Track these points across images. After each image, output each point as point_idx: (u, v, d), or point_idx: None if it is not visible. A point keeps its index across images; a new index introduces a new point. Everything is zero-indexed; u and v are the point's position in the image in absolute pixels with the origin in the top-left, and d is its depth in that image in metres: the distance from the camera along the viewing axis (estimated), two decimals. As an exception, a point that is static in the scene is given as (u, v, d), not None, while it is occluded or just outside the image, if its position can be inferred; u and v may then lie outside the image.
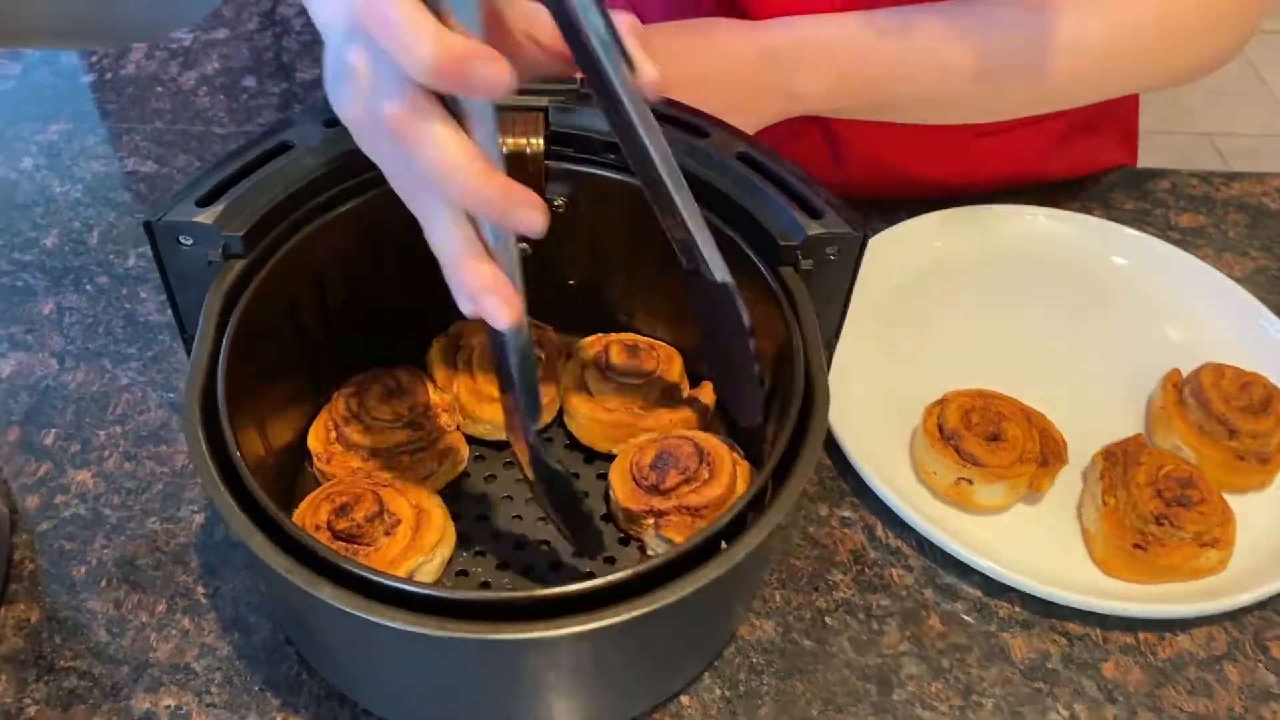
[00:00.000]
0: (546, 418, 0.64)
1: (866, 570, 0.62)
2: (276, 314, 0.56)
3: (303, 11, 0.91)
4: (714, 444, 0.58)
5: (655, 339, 0.66)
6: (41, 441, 0.65)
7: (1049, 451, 0.64)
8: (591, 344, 0.65)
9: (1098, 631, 0.60)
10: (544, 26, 0.48)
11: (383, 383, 0.61)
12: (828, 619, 0.60)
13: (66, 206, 0.81)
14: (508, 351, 0.48)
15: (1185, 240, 0.83)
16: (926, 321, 0.75)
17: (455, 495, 0.61)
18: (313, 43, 0.98)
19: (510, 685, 0.49)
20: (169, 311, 0.72)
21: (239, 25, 0.99)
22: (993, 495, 0.63)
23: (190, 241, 0.52)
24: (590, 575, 0.56)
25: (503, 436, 0.63)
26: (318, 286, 0.58)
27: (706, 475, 0.57)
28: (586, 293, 0.66)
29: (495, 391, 0.61)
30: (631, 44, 0.46)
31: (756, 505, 0.47)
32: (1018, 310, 0.76)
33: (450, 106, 0.42)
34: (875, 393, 0.69)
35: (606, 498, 0.60)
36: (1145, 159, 0.91)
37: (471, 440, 0.63)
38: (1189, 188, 0.88)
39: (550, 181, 0.60)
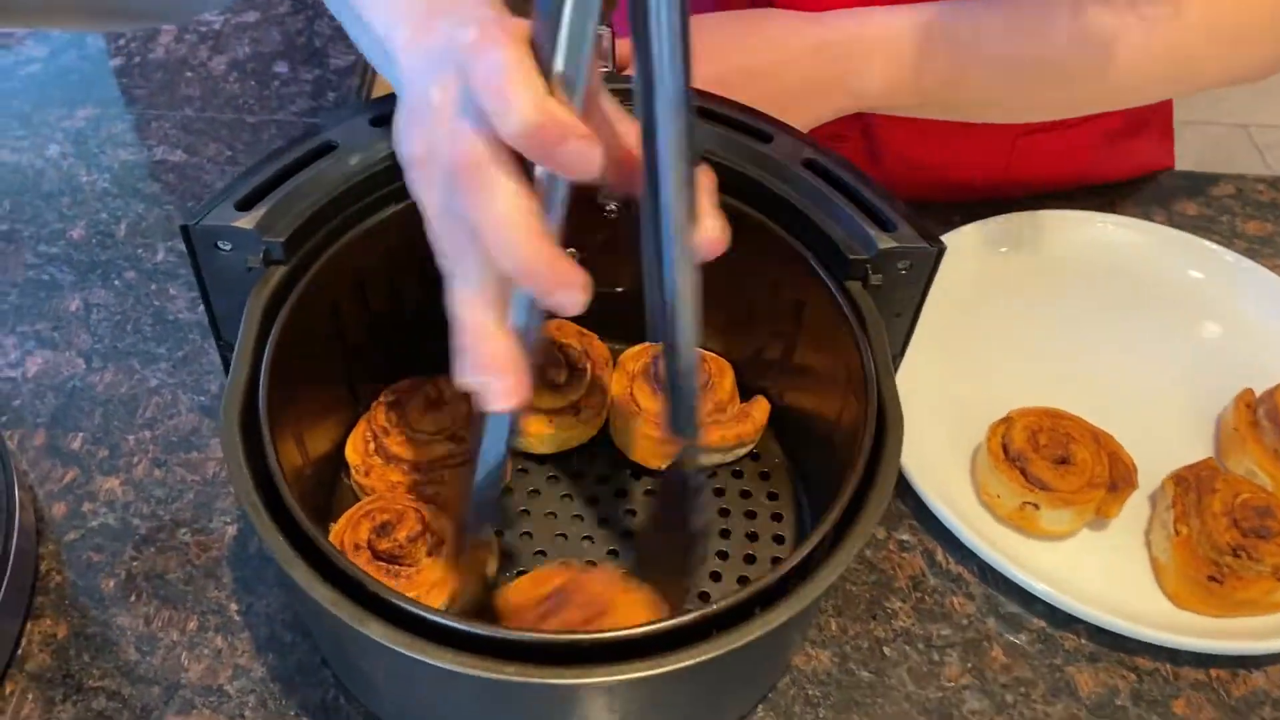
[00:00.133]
0: (592, 430, 0.62)
1: (926, 598, 0.59)
2: (317, 322, 0.53)
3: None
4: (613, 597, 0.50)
5: (706, 350, 0.63)
6: (69, 446, 0.63)
7: (1118, 476, 0.61)
8: (639, 354, 0.62)
9: (1168, 667, 0.57)
10: (628, 135, 0.42)
11: (424, 392, 0.59)
12: (886, 649, 0.57)
13: (94, 196, 0.78)
14: (488, 437, 0.44)
15: (1253, 249, 0.79)
16: (987, 333, 0.71)
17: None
18: (345, 27, 0.95)
19: (562, 724, 0.46)
20: (199, 309, 0.70)
21: (270, 8, 0.97)
22: (1059, 521, 0.60)
23: (229, 247, 0.50)
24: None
25: (548, 449, 0.61)
26: (360, 293, 0.56)
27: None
28: (635, 300, 0.63)
29: (540, 402, 0.59)
30: (705, 199, 0.41)
31: (824, 542, 0.44)
32: (1082, 323, 0.73)
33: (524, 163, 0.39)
34: (934, 408, 0.66)
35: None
36: (1180, 152, 0.88)
37: (514, 453, 0.61)
38: (1255, 193, 0.85)
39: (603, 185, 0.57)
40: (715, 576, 0.57)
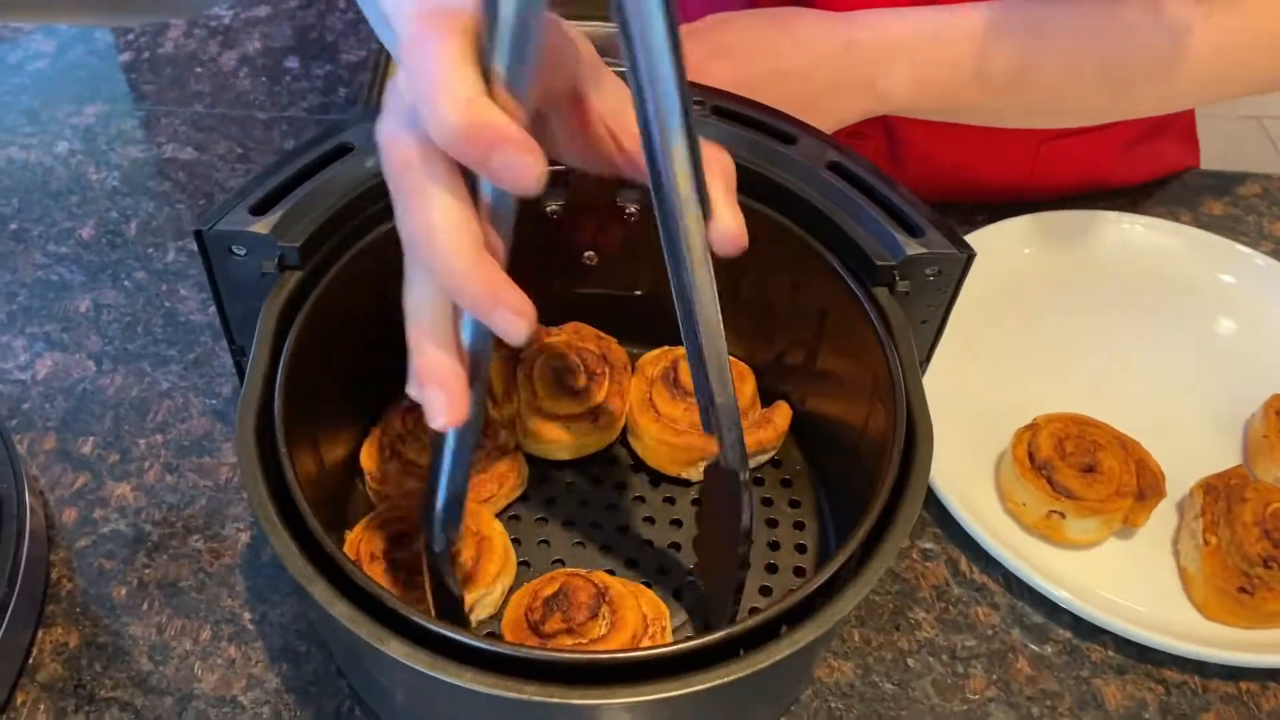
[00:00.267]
0: (610, 436, 0.60)
1: (950, 608, 0.58)
2: (333, 328, 0.52)
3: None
4: (629, 602, 0.50)
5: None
6: (79, 450, 0.62)
7: (1146, 484, 0.59)
8: (658, 358, 0.61)
9: (1197, 679, 0.56)
10: (629, 127, 0.40)
11: (440, 398, 0.58)
12: (910, 660, 0.56)
13: (103, 195, 0.77)
14: (442, 449, 0.42)
15: (1279, 250, 0.78)
16: (1011, 336, 0.70)
17: (515, 518, 0.58)
18: (357, 22, 0.94)
19: (583, 741, 0.45)
20: (211, 310, 0.69)
21: (281, 2, 0.95)
22: (1085, 530, 0.59)
23: (243, 252, 0.49)
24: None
25: (565, 456, 0.60)
26: (376, 297, 0.54)
27: (603, 630, 0.49)
28: (654, 304, 0.62)
29: (558, 409, 0.58)
30: (718, 189, 0.39)
31: (852, 559, 0.43)
32: (1108, 326, 0.71)
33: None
34: (957, 414, 0.64)
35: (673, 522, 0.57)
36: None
37: (531, 460, 0.60)
38: (1282, 193, 0.83)
39: (623, 186, 0.56)
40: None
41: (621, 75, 0.38)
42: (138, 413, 0.64)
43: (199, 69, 0.88)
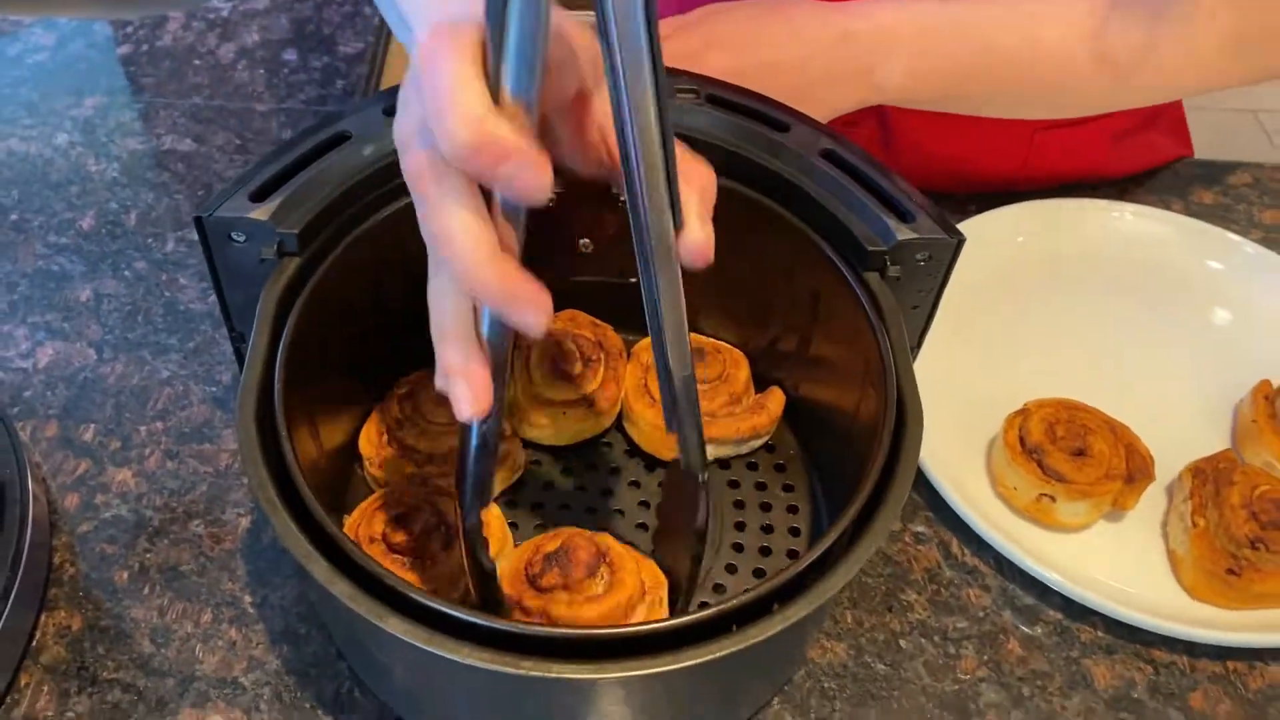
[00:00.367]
0: (606, 422, 0.61)
1: (942, 590, 0.59)
2: (332, 314, 0.53)
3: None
4: (629, 565, 0.51)
5: (722, 341, 0.63)
6: (81, 437, 0.63)
7: (1135, 468, 0.60)
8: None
9: (1185, 659, 0.57)
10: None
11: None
12: (902, 641, 0.57)
13: (103, 186, 0.78)
14: (468, 438, 0.44)
15: (1269, 238, 0.79)
16: (1003, 323, 0.71)
17: (512, 503, 0.59)
18: (354, 14, 0.94)
19: (579, 718, 0.46)
20: (210, 299, 0.70)
21: (278, -6, 0.96)
22: (1075, 513, 0.60)
23: (243, 238, 0.49)
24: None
25: (562, 441, 0.60)
26: (374, 284, 0.55)
27: (599, 590, 0.49)
28: (649, 291, 0.63)
29: (554, 395, 0.59)
30: (693, 201, 0.40)
31: (843, 537, 0.44)
32: (1099, 313, 0.72)
33: None
34: (949, 399, 0.65)
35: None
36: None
37: (528, 445, 0.60)
38: (1272, 181, 0.84)
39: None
40: (731, 569, 0.56)
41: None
42: (138, 400, 0.65)
43: (197, 61, 0.89)
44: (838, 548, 0.44)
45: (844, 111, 0.65)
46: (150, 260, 0.73)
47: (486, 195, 0.37)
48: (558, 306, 0.62)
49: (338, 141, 0.52)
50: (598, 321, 0.63)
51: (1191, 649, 0.57)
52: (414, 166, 0.37)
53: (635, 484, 0.60)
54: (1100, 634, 0.58)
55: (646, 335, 0.62)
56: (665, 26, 0.66)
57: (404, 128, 0.38)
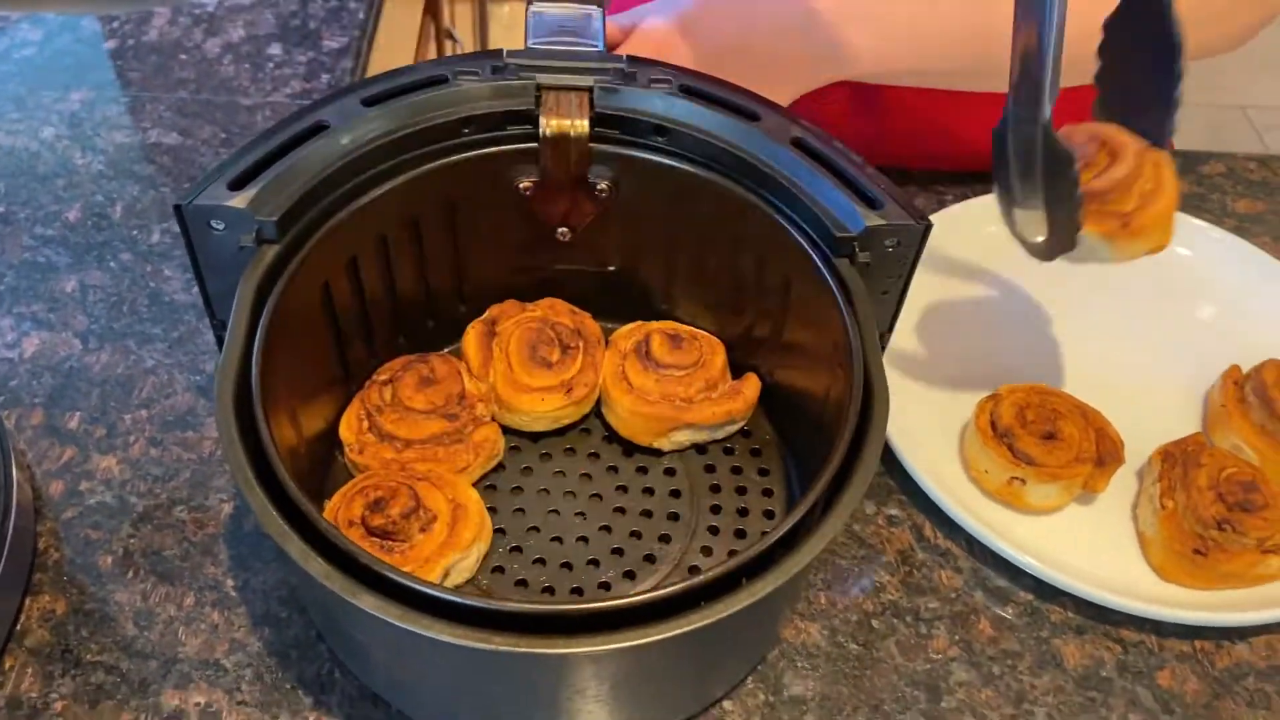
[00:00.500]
0: (584, 409, 0.62)
1: (915, 572, 0.60)
2: (310, 301, 0.53)
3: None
4: (1111, 132, 0.57)
5: (698, 328, 0.63)
6: (66, 425, 0.63)
7: (1105, 451, 0.61)
8: (631, 332, 0.63)
9: (1153, 639, 0.58)
10: None
11: (417, 371, 0.59)
12: (874, 622, 0.58)
13: (89, 179, 0.79)
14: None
15: (1242, 227, 0.80)
16: (976, 311, 0.72)
17: (491, 488, 0.60)
18: (339, 9, 0.95)
19: (554, 695, 0.47)
20: (194, 290, 0.71)
21: (263, -10, 0.97)
22: (1046, 496, 0.61)
23: (222, 226, 0.50)
24: (630, 574, 0.56)
25: (540, 427, 0.61)
26: (352, 271, 0.56)
27: (1107, 161, 0.55)
28: (627, 279, 0.64)
29: (532, 381, 0.60)
30: None
31: (812, 513, 0.45)
32: (1071, 300, 0.73)
33: None
34: (923, 385, 0.66)
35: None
36: (1177, 132, 0.87)
37: (507, 431, 0.61)
38: (1246, 171, 0.85)
39: (594, 164, 0.58)
40: (706, 551, 0.57)
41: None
42: (123, 389, 0.65)
43: (183, 56, 0.90)
44: (806, 523, 0.45)
45: (811, 89, 0.66)
46: (135, 252, 0.74)
47: None
48: (536, 295, 0.64)
49: (316, 131, 0.52)
50: (576, 309, 0.64)
51: (1160, 629, 0.58)
52: None
53: (613, 469, 0.61)
54: (1070, 614, 0.59)
55: (625, 323, 0.64)
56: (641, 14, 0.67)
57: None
